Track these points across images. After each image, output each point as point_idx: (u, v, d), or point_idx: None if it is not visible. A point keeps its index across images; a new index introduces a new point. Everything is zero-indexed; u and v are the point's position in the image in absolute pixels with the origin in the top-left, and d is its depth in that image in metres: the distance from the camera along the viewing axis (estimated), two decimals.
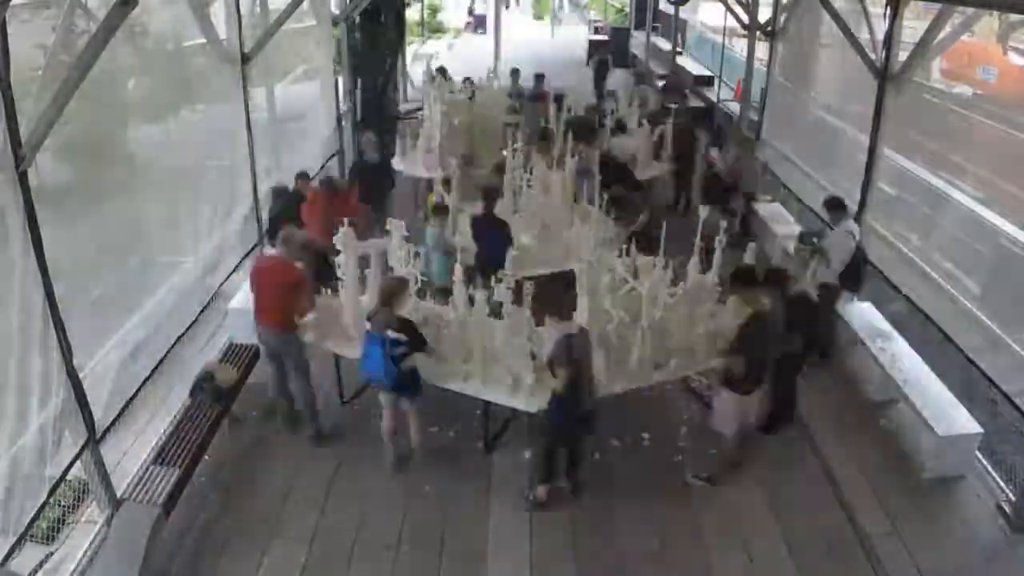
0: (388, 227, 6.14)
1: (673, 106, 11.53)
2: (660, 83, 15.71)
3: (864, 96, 7.87)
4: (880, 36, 7.50)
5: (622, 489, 5.52)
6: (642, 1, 22.76)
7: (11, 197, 4.02)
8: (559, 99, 10.26)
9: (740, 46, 14.92)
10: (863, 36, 7.78)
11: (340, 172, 11.47)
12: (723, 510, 5.36)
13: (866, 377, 6.74)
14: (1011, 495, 5.44)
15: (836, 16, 8.00)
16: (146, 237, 6.12)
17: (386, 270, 6.09)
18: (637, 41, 21.88)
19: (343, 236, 5.68)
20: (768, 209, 9.89)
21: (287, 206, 7.50)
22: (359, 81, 11.84)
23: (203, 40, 6.97)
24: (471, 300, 5.45)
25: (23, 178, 4.05)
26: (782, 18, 10.94)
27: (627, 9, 26.92)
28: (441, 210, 6.92)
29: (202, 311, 6.61)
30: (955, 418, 5.72)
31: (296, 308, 5.61)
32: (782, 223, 9.45)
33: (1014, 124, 7.82)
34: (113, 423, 5.08)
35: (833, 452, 5.91)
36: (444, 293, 5.96)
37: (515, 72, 12.80)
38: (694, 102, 14.84)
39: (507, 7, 28.55)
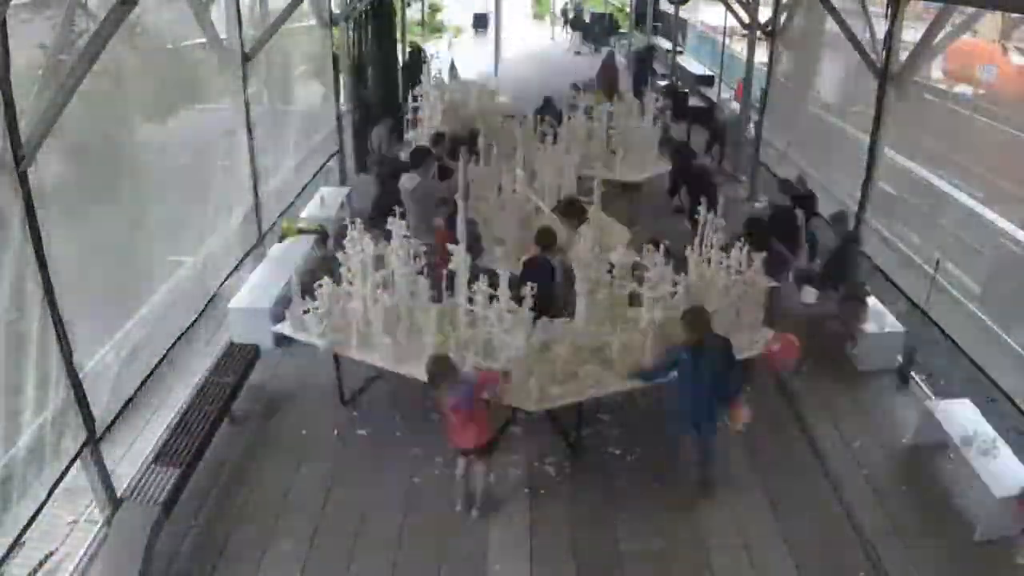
0: (389, 226, 6.13)
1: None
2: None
3: (864, 96, 7.88)
4: (880, 36, 7.50)
5: (622, 490, 5.53)
6: (642, 1, 22.74)
7: (11, 197, 4.02)
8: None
9: (740, 46, 14.97)
10: (863, 36, 7.78)
11: (340, 172, 11.50)
12: (724, 511, 5.36)
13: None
14: None
15: (836, 16, 8.00)
16: (146, 237, 6.12)
17: None
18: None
19: (355, 234, 5.70)
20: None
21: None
22: (366, 77, 11.83)
23: (203, 40, 6.97)
24: (470, 301, 5.45)
25: (23, 178, 4.06)
26: (782, 18, 10.94)
27: (627, 8, 26.91)
28: None
29: (202, 311, 6.61)
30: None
31: None
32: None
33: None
34: (113, 423, 5.08)
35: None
36: None
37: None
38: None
39: None
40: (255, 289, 7.45)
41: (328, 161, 10.95)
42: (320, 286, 5.84)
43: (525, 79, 15.78)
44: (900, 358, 6.65)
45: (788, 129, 10.64)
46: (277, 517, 5.23)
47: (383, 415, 6.24)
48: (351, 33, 11.50)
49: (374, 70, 11.74)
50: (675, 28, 17.97)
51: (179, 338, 6.12)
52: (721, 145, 12.49)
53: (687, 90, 15.76)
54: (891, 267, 7.35)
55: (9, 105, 3.91)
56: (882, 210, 7.79)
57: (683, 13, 18.60)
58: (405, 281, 5.73)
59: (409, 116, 10.40)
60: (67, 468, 4.57)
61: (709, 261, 5.85)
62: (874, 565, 4.90)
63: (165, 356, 5.88)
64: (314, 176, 10.19)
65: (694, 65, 18.43)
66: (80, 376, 4.66)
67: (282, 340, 6.18)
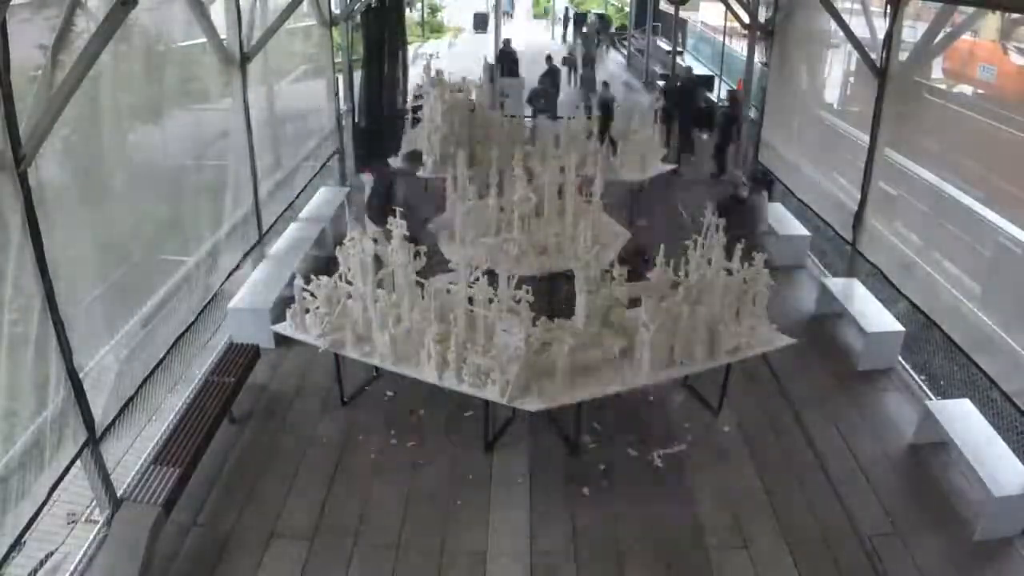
0: (389, 226, 6.13)
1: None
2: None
3: (864, 95, 7.87)
4: (880, 35, 7.50)
5: (623, 490, 5.53)
6: (642, 1, 22.77)
7: (11, 197, 4.02)
8: None
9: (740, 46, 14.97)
10: (863, 35, 7.78)
11: (340, 171, 11.50)
12: (724, 511, 5.36)
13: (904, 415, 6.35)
14: None
15: (836, 15, 8.00)
16: (146, 237, 6.12)
17: None
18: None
19: (356, 234, 5.71)
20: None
21: None
22: (363, 78, 11.79)
23: (203, 40, 6.97)
24: (470, 301, 5.45)
25: (23, 178, 4.06)
26: (782, 17, 10.92)
27: (627, 8, 26.97)
28: None
29: (202, 311, 6.61)
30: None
31: None
32: (784, 222, 9.49)
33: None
34: (113, 423, 5.08)
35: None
36: None
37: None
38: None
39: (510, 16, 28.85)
40: (255, 289, 7.45)
41: (328, 161, 10.95)
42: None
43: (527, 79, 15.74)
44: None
45: (787, 128, 10.63)
46: (277, 517, 5.23)
47: (383, 415, 6.24)
48: (351, 34, 11.48)
49: (377, 69, 11.68)
50: (675, 28, 17.98)
51: (179, 338, 6.12)
52: (724, 146, 12.30)
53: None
54: (891, 267, 7.35)
55: (9, 105, 3.91)
56: (882, 209, 7.79)
57: (683, 13, 18.62)
58: (405, 281, 5.73)
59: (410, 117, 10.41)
60: (67, 468, 4.57)
61: (710, 261, 5.85)
62: (874, 565, 4.91)
63: (165, 356, 5.88)
64: (314, 176, 10.19)
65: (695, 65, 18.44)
66: (80, 376, 4.66)
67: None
